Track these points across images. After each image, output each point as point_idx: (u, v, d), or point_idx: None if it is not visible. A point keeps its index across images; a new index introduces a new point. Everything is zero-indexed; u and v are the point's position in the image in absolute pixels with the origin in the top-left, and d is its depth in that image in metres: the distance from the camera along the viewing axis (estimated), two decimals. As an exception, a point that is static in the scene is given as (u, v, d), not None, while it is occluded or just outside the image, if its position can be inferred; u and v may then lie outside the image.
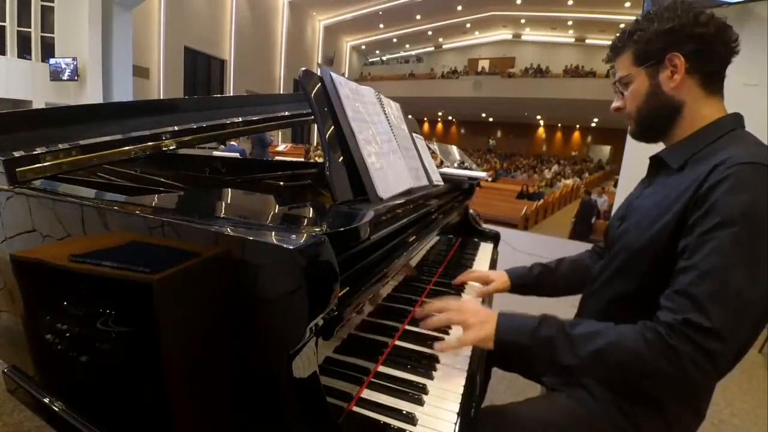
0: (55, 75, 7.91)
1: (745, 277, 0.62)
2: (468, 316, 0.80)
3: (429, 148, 1.56)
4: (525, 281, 1.16)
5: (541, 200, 10.40)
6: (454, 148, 7.09)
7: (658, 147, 0.88)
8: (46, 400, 0.76)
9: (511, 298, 1.21)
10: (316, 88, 0.82)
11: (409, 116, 1.40)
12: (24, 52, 8.16)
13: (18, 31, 8.03)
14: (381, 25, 21.23)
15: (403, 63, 26.40)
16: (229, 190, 1.09)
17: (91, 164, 0.79)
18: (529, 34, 22.26)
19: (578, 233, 7.59)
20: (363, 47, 25.00)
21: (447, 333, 0.91)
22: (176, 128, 0.94)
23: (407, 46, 25.17)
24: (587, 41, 20.45)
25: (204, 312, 0.55)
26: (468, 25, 21.55)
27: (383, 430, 0.63)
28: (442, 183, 1.36)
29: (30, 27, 8.06)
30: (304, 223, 0.62)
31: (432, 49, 25.16)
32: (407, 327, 0.93)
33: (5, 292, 0.82)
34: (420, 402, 0.69)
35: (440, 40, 24.00)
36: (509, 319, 0.79)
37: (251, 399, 0.52)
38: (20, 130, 0.79)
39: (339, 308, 0.58)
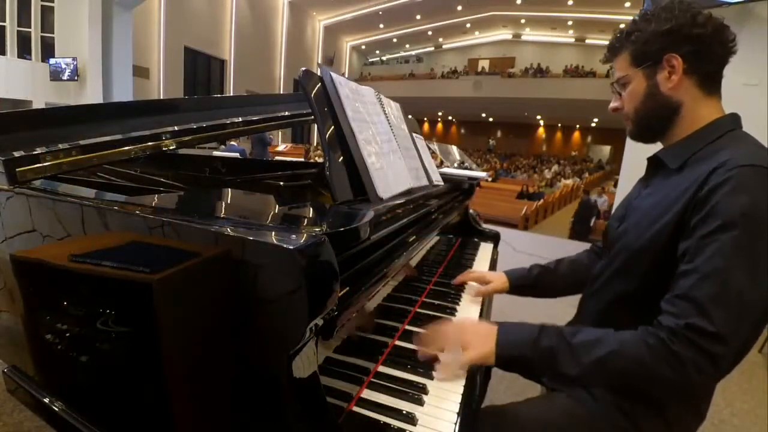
0: (55, 75, 7.91)
1: (746, 277, 0.62)
2: (466, 335, 0.78)
3: (429, 148, 1.56)
4: (524, 282, 1.16)
5: (541, 200, 10.40)
6: (454, 148, 7.08)
7: (658, 147, 0.88)
8: (46, 400, 0.76)
9: (512, 297, 1.21)
10: (316, 88, 0.82)
11: (409, 116, 1.40)
12: (24, 52, 8.15)
13: (18, 31, 8.03)
14: (381, 25, 21.22)
15: (403, 63, 26.39)
16: (229, 190, 1.09)
17: (91, 164, 0.79)
18: (529, 34, 22.25)
19: (577, 233, 7.60)
20: (363, 47, 24.99)
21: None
22: (176, 128, 0.94)
23: (407, 46, 25.17)
24: (587, 41, 20.45)
25: (204, 312, 0.55)
26: (468, 25, 21.54)
27: (383, 430, 0.63)
28: (442, 183, 1.36)
29: (30, 27, 8.06)
30: (304, 223, 0.62)
31: (432, 49, 25.15)
32: (407, 327, 0.93)
33: (5, 292, 0.82)
34: (420, 402, 0.69)
35: (440, 40, 23.99)
36: (509, 331, 0.77)
37: (251, 399, 0.52)
38: (20, 130, 0.79)
39: (339, 308, 0.58)
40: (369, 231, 0.61)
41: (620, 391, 0.79)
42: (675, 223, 0.72)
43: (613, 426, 0.79)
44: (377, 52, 26.16)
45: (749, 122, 0.80)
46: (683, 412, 0.80)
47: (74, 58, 7.74)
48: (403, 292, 0.98)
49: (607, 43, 0.90)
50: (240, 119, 1.12)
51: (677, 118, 0.81)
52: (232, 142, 7.08)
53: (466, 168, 5.02)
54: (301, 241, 0.48)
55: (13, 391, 0.83)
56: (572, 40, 21.10)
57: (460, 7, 18.71)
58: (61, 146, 0.74)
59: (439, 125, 27.82)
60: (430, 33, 22.59)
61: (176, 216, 0.56)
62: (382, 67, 26.32)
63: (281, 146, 15.27)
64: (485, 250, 1.68)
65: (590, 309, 0.92)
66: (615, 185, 10.39)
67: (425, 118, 26.80)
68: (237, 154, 5.26)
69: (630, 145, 3.81)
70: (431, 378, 0.76)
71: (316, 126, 0.82)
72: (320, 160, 1.53)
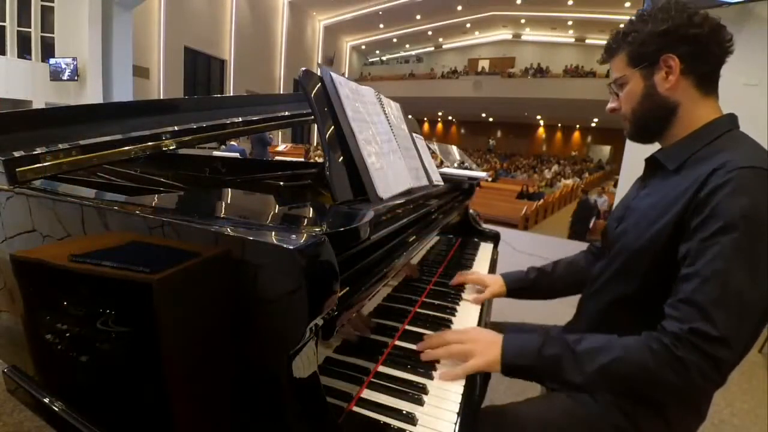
0: (55, 75, 7.91)
1: (746, 278, 0.62)
2: (471, 344, 0.78)
3: (429, 148, 1.56)
4: (521, 285, 1.16)
5: (541, 200, 10.41)
6: (454, 148, 7.08)
7: (658, 147, 0.88)
8: (46, 400, 0.76)
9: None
10: (316, 88, 0.82)
11: (409, 116, 1.40)
12: (24, 52, 8.16)
13: (18, 31, 8.03)
14: (381, 25, 21.23)
15: (403, 63, 26.40)
16: (229, 190, 1.08)
17: (91, 164, 0.79)
18: (529, 34, 22.26)
19: (576, 233, 7.60)
20: (363, 47, 24.99)
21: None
22: (176, 128, 0.94)
23: (407, 46, 25.17)
24: (587, 41, 20.45)
25: (204, 312, 0.55)
26: (468, 25, 21.56)
27: (383, 430, 0.63)
28: (442, 183, 1.36)
29: (30, 27, 8.06)
30: (304, 223, 0.62)
31: (432, 49, 25.16)
32: (407, 327, 0.93)
33: (5, 292, 0.82)
34: (420, 402, 0.69)
35: (440, 40, 24.01)
36: (514, 340, 0.77)
37: (251, 399, 0.52)
38: (20, 130, 0.79)
39: (339, 308, 0.58)
40: (369, 231, 0.61)
41: (622, 394, 0.79)
42: (674, 224, 0.72)
43: (613, 426, 0.79)
44: (377, 52, 26.16)
45: (749, 122, 0.80)
46: (683, 412, 0.80)
47: (74, 58, 7.74)
48: (403, 292, 0.98)
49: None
50: (240, 119, 1.12)
51: (675, 119, 0.81)
52: (232, 142, 7.08)
53: (466, 168, 5.01)
54: (301, 241, 0.48)
55: (13, 391, 0.83)
56: (572, 40, 21.11)
57: (460, 7, 18.72)
58: (61, 146, 0.74)
59: (439, 125, 27.82)
60: (430, 33, 22.60)
61: (176, 216, 0.56)
62: (382, 67, 26.33)
63: (281, 146, 15.28)
64: (485, 250, 1.68)
65: (590, 309, 0.92)
66: (615, 185, 10.40)
67: (425, 118, 26.81)
68: (237, 154, 5.26)
69: (630, 145, 3.80)
70: (431, 378, 0.76)
71: (316, 126, 0.82)
72: (320, 160, 1.53)
